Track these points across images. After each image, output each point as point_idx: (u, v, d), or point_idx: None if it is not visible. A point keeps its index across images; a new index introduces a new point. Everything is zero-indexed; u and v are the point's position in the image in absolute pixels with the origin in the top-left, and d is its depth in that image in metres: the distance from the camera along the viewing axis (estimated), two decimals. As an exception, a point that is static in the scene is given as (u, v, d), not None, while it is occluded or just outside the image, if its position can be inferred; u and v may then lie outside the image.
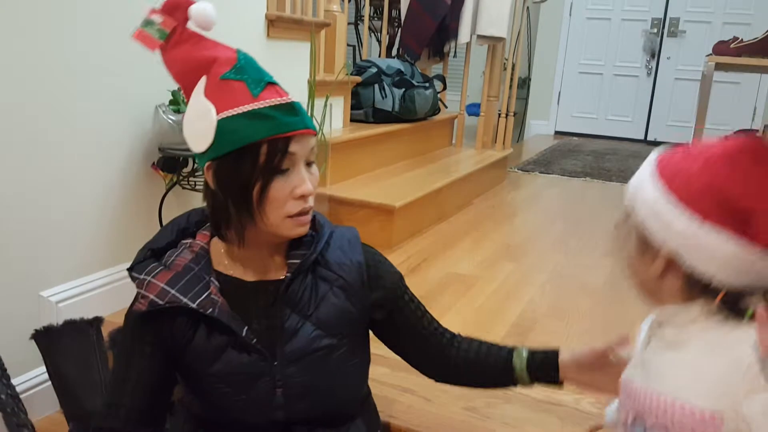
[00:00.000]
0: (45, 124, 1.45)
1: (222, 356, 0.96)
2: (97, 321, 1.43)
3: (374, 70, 3.00)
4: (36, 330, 1.36)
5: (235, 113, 0.88)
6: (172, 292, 0.94)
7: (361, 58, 3.41)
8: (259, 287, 0.99)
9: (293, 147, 0.89)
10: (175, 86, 1.69)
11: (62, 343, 1.37)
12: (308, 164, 0.93)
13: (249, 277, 0.99)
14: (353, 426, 1.07)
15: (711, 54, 2.34)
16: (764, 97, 5.19)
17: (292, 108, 0.90)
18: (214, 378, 0.97)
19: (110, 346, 1.24)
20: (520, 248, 2.52)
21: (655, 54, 5.73)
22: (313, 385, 0.99)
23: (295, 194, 0.90)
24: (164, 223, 1.69)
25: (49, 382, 1.48)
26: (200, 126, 0.90)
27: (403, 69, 3.10)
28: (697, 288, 0.73)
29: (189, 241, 1.01)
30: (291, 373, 0.98)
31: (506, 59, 3.70)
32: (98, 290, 1.63)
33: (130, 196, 1.69)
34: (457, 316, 1.79)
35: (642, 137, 5.89)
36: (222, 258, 1.00)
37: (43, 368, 1.48)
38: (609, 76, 5.95)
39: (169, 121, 1.61)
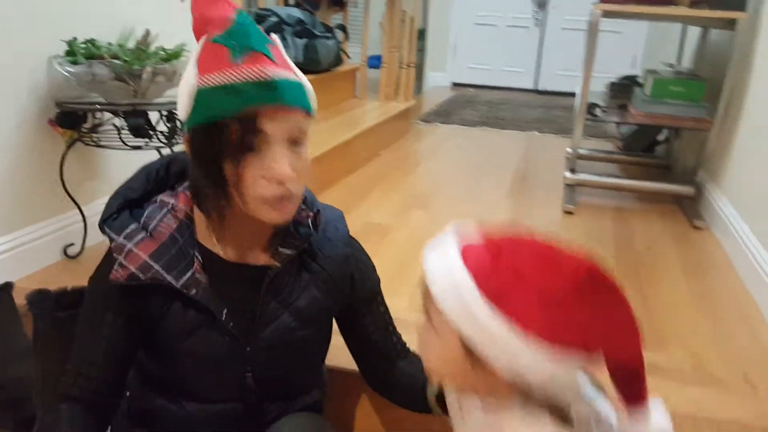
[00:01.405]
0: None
1: (195, 334, 0.94)
2: (8, 286, 1.37)
3: (275, 19, 2.94)
4: (-59, 297, 1.29)
5: (210, 85, 0.81)
6: (156, 267, 0.90)
7: (257, 5, 3.31)
8: (241, 270, 0.95)
9: (266, 125, 0.81)
10: (70, 36, 1.60)
11: (-30, 309, 1.30)
12: (294, 144, 0.85)
13: (230, 256, 0.95)
14: (309, 396, 1.09)
15: (598, 2, 2.46)
16: (643, 45, 5.51)
17: (268, 82, 0.81)
18: (183, 354, 0.95)
19: (28, 308, 1.19)
20: (429, 196, 2.60)
21: (543, 4, 5.93)
22: (283, 371, 1.00)
23: (267, 176, 0.83)
24: (66, 183, 1.64)
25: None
26: (183, 92, 0.84)
27: (304, 18, 3.06)
28: (530, 397, 0.72)
29: (171, 202, 0.95)
30: (262, 359, 0.97)
31: (404, 10, 3.72)
32: (5, 253, 1.55)
33: (26, 156, 1.60)
34: (381, 261, 1.84)
35: (533, 87, 6.13)
36: (205, 230, 0.94)
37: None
38: (503, 27, 6.11)
39: (65, 73, 1.53)
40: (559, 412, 0.72)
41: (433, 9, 6.09)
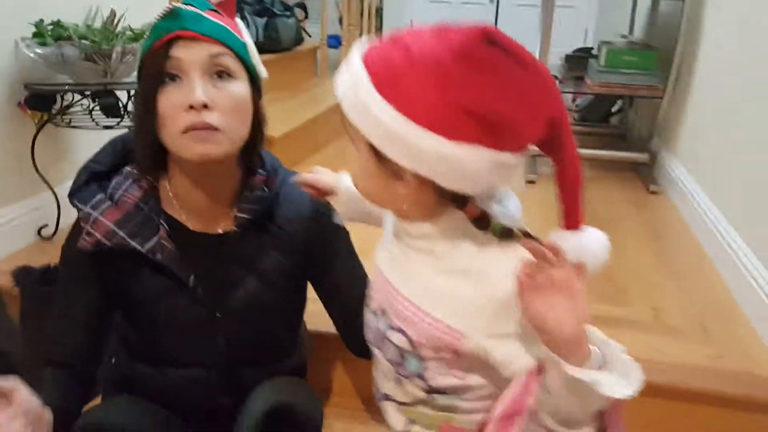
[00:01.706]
0: None
1: (165, 299, 0.98)
2: (-13, 266, 1.38)
3: (234, -1, 2.93)
4: None
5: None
6: (121, 233, 0.93)
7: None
8: (205, 238, 0.99)
9: (177, 52, 0.86)
10: (35, 18, 1.59)
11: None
12: (217, 78, 0.89)
13: (195, 226, 0.99)
14: (290, 361, 1.12)
15: (553, -23, 2.52)
16: (594, 19, 5.64)
17: (175, 12, 0.88)
18: (156, 320, 0.99)
19: (15, 284, 1.21)
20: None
21: (497, -19, 6.01)
22: (254, 336, 1.03)
23: (182, 103, 0.86)
24: (38, 165, 1.64)
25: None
26: None
27: (263, -3, 3.06)
28: (447, 203, 0.69)
29: (136, 172, 0.98)
30: (232, 323, 1.00)
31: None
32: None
33: (-2, 138, 1.60)
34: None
35: (490, 62, 6.21)
36: (170, 199, 0.98)
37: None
38: (456, 4, 6.16)
39: (34, 55, 1.52)
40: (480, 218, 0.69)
41: (388, -14, 6.09)
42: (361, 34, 3.72)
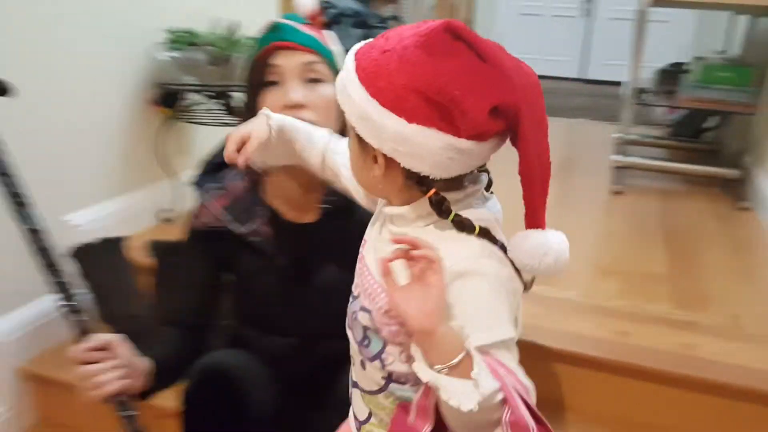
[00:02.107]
0: (57, 65, 1.55)
1: (260, 277, 1.13)
2: (124, 239, 1.58)
3: (334, 10, 3.11)
4: (74, 247, 1.50)
5: None
6: (227, 217, 1.09)
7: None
8: (296, 226, 1.13)
9: (276, 60, 1.01)
10: (164, 26, 1.79)
11: (97, 258, 1.52)
12: (312, 82, 1.02)
13: (287, 214, 1.13)
14: None
15: (647, -8, 2.56)
16: (690, 34, 5.52)
17: (274, 27, 1.03)
18: (252, 293, 1.15)
19: (151, 254, 1.40)
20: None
21: (591, -5, 5.99)
22: (332, 312, 1.11)
23: (281, 103, 0.98)
24: (161, 155, 1.84)
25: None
26: None
27: (360, 10, 3.22)
28: (415, 186, 0.72)
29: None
30: (314, 301, 1.12)
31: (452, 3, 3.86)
32: (113, 216, 1.77)
33: (128, 132, 1.81)
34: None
35: (579, 76, 6.18)
36: (270, 190, 1.12)
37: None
38: (548, 17, 6.18)
39: (169, 58, 1.73)
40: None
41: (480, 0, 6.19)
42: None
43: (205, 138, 2.09)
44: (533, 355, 1.44)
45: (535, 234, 0.72)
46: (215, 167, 1.15)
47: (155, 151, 1.86)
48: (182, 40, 1.72)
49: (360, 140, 0.72)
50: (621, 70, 5.63)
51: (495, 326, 0.70)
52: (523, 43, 6.22)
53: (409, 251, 0.67)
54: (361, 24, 3.15)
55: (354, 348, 0.85)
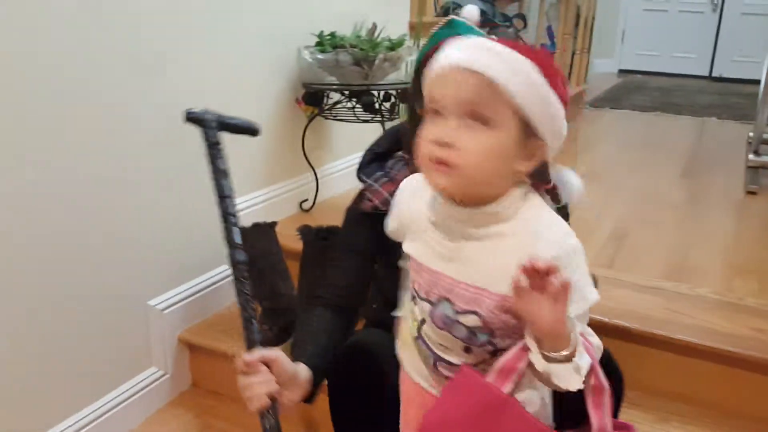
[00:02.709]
0: (214, 69, 1.74)
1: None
2: (274, 224, 1.74)
3: (459, 10, 3.19)
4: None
5: None
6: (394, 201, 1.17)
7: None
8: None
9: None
10: (311, 30, 1.94)
11: (251, 240, 1.68)
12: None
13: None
14: None
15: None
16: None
17: (450, 23, 1.04)
18: (402, 272, 1.21)
19: (300, 237, 1.54)
20: (602, 173, 2.73)
21: (721, -11, 5.72)
22: None
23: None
24: (306, 150, 2.00)
25: (229, 277, 1.82)
26: None
27: (485, 9, 3.28)
28: (534, 179, 0.80)
29: (407, 157, 1.18)
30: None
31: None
32: (260, 204, 1.94)
33: (278, 128, 1.98)
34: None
35: (707, 74, 5.91)
36: None
37: (223, 266, 1.81)
38: (674, 12, 5.95)
39: (315, 60, 1.88)
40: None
41: (602, -4, 6.06)
42: (574, 43, 3.81)
43: (344, 134, 2.24)
44: (668, 348, 1.47)
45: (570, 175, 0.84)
46: (378, 156, 1.24)
47: (301, 146, 2.02)
48: (328, 42, 1.86)
49: (528, 135, 0.75)
50: (751, 67, 5.43)
51: (587, 293, 0.80)
52: (647, 39, 6.05)
53: (543, 276, 0.70)
54: (487, 23, 3.21)
55: (445, 339, 0.87)
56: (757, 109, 3.02)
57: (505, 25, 3.29)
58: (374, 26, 1.98)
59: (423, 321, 0.89)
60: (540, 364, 0.74)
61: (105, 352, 1.51)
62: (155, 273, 1.62)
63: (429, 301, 0.86)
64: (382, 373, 1.08)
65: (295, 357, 1.06)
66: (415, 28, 2.45)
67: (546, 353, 0.74)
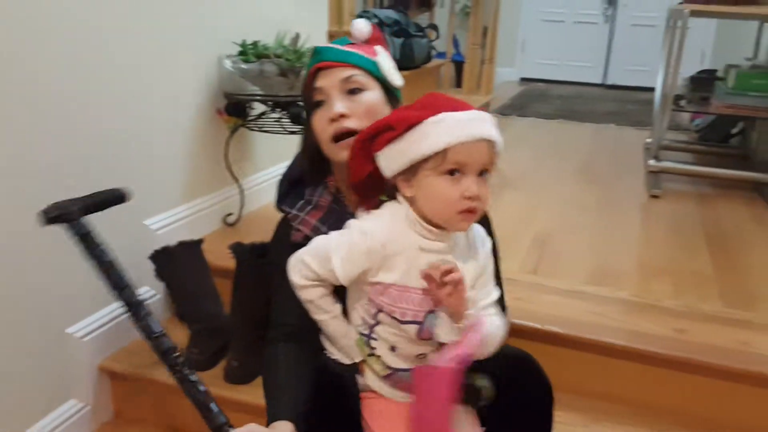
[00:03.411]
0: (132, 78, 1.65)
1: None
2: (201, 242, 1.67)
3: (376, 20, 3.21)
4: (155, 250, 1.60)
5: None
6: (324, 229, 1.14)
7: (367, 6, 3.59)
8: None
9: (319, 82, 1.09)
10: (232, 38, 1.89)
11: (177, 261, 1.61)
12: (352, 93, 1.08)
13: None
14: None
15: (683, 2, 2.64)
16: (712, 40, 5.59)
17: (314, 52, 1.12)
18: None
19: (233, 255, 1.48)
20: (518, 180, 2.82)
21: (613, 1, 6.05)
22: None
23: (327, 118, 1.07)
24: (230, 162, 1.93)
25: (153, 298, 1.73)
26: None
27: (400, 19, 3.32)
28: None
29: (325, 181, 1.18)
30: None
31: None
32: (183, 220, 1.86)
33: (199, 139, 1.90)
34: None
35: (601, 82, 6.25)
36: (353, 203, 1.15)
37: (145, 288, 1.72)
38: (570, 23, 6.25)
39: (238, 70, 1.82)
40: None
41: (503, 6, 6.26)
42: (483, 53, 3.92)
43: (268, 145, 2.19)
44: (595, 351, 1.53)
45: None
46: (293, 183, 1.21)
47: (224, 158, 1.95)
48: (251, 51, 1.81)
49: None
50: (641, 75, 5.78)
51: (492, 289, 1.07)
52: (546, 48, 6.32)
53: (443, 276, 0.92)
54: (402, 33, 3.24)
55: (430, 343, 1.01)
56: (654, 116, 3.23)
57: (419, 35, 3.34)
58: (297, 36, 1.94)
59: (393, 348, 0.98)
60: (455, 331, 0.96)
61: (19, 387, 1.40)
62: (73, 298, 1.51)
63: (416, 322, 0.97)
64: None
65: (272, 410, 1.03)
66: (333, 37, 2.44)
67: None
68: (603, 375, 1.55)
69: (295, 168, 1.25)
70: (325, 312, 1.03)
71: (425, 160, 0.92)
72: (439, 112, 0.92)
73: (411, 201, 0.97)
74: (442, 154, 0.91)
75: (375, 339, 1.01)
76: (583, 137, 3.86)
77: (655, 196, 2.63)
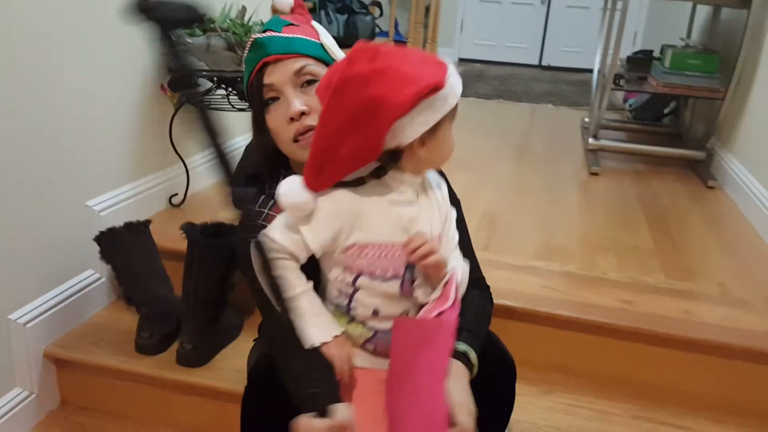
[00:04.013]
0: (70, 51, 1.57)
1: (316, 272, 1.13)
2: (148, 222, 1.61)
3: (318, -3, 3.16)
4: (101, 231, 1.53)
5: None
6: None
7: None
8: None
9: (268, 78, 0.99)
10: (177, 11, 1.82)
11: (124, 242, 1.55)
12: (308, 85, 1.00)
13: None
14: None
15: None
16: (644, 22, 5.76)
17: (255, 44, 1.01)
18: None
19: (185, 236, 1.43)
20: (467, 160, 2.84)
21: (549, -17, 6.16)
22: None
23: (285, 118, 0.98)
24: (174, 140, 1.87)
25: (97, 282, 1.67)
26: None
27: (342, -4, 3.27)
28: None
29: (283, 172, 1.11)
30: None
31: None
32: (128, 201, 1.79)
33: (143, 117, 1.83)
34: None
35: (537, 63, 6.36)
36: None
37: (89, 271, 1.65)
38: (507, 4, 6.32)
39: (182, 45, 1.75)
40: None
41: (442, -14, 6.27)
42: (425, 32, 3.91)
43: (217, 122, 2.12)
44: (549, 324, 1.57)
45: None
46: (250, 179, 1.15)
47: (168, 136, 1.88)
48: (196, 26, 1.75)
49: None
50: (576, 56, 5.92)
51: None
52: (484, 29, 6.37)
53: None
54: (345, 9, 3.20)
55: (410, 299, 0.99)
56: (593, 97, 3.31)
57: (363, 13, 3.31)
58: (243, 9, 1.88)
59: (376, 312, 0.97)
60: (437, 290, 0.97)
61: (-42, 378, 1.32)
62: (14, 283, 1.44)
63: (396, 276, 0.95)
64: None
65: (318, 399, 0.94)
66: (277, 11, 2.38)
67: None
68: (555, 346, 1.59)
69: (249, 162, 1.20)
70: (296, 286, 0.96)
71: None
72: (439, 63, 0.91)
73: (416, 159, 0.93)
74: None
75: (354, 308, 0.97)
76: (521, 116, 3.93)
77: (594, 173, 2.70)
